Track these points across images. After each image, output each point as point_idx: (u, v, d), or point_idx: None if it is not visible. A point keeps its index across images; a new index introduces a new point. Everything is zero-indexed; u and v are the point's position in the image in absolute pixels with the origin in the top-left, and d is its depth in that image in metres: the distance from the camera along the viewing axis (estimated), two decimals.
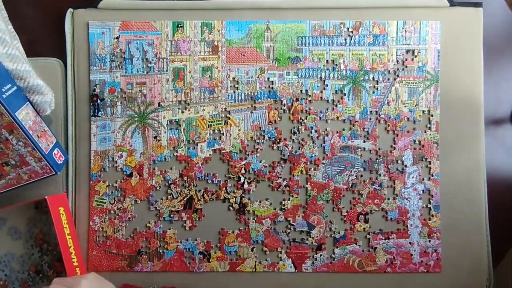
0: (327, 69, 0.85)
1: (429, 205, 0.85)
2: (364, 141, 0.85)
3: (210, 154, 0.85)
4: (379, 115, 0.85)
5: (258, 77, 0.85)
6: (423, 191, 0.85)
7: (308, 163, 0.85)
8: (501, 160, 0.89)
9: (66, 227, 0.79)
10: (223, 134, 0.85)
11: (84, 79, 0.85)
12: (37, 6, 0.86)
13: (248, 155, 0.85)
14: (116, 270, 0.84)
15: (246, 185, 0.85)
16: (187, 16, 0.85)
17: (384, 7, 0.85)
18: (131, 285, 0.83)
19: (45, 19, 0.86)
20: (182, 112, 0.85)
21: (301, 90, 0.85)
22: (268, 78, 0.85)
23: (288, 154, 0.85)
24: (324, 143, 0.85)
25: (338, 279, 0.85)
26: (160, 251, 0.84)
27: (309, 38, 0.85)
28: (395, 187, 0.85)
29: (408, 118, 0.85)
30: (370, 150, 0.85)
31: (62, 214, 0.79)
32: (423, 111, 0.85)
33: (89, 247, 0.84)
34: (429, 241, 0.85)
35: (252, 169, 0.85)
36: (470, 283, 0.84)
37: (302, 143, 0.85)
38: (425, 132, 0.85)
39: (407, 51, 0.85)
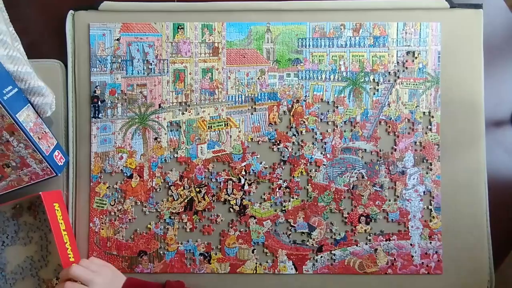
0: (328, 71, 0.85)
1: (430, 207, 0.85)
2: (365, 143, 0.85)
3: (210, 156, 0.85)
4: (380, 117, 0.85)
5: (258, 78, 0.85)
6: (424, 192, 0.85)
7: (308, 165, 0.85)
8: (501, 161, 0.89)
9: (61, 223, 0.78)
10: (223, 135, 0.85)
11: (84, 80, 0.85)
12: (38, 8, 0.87)
13: (249, 157, 0.85)
14: None
15: (246, 187, 0.85)
16: (187, 17, 0.85)
17: (384, 8, 0.85)
18: (136, 279, 0.81)
19: (46, 21, 0.86)
20: (183, 113, 0.85)
21: (302, 92, 0.85)
22: (269, 80, 0.85)
23: (288, 155, 0.85)
24: (325, 144, 0.85)
25: (338, 281, 0.85)
26: (161, 252, 0.84)
27: (309, 39, 0.85)
28: (396, 189, 0.85)
29: (408, 120, 0.85)
30: (371, 152, 0.85)
31: (57, 210, 0.78)
32: (424, 113, 0.85)
33: (90, 249, 0.84)
34: (430, 242, 0.84)
35: (253, 170, 0.85)
36: (472, 285, 0.84)
37: (302, 144, 0.85)
38: (426, 133, 0.85)
39: (408, 53, 0.85)
